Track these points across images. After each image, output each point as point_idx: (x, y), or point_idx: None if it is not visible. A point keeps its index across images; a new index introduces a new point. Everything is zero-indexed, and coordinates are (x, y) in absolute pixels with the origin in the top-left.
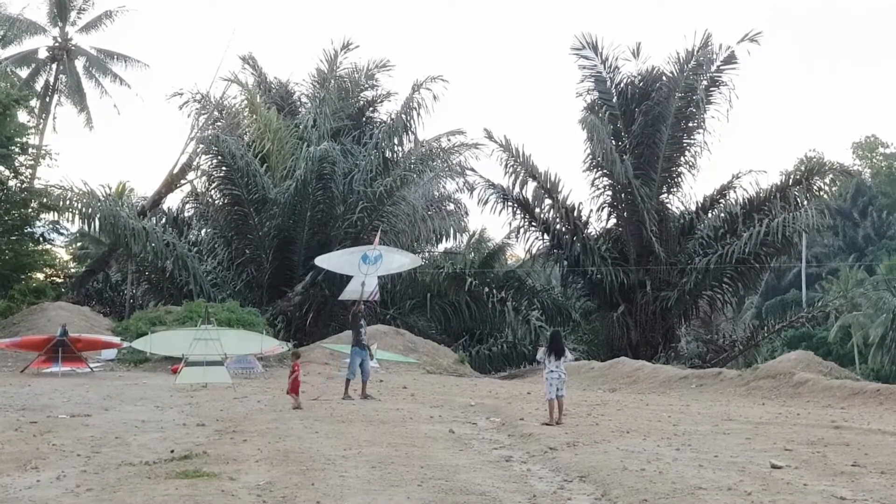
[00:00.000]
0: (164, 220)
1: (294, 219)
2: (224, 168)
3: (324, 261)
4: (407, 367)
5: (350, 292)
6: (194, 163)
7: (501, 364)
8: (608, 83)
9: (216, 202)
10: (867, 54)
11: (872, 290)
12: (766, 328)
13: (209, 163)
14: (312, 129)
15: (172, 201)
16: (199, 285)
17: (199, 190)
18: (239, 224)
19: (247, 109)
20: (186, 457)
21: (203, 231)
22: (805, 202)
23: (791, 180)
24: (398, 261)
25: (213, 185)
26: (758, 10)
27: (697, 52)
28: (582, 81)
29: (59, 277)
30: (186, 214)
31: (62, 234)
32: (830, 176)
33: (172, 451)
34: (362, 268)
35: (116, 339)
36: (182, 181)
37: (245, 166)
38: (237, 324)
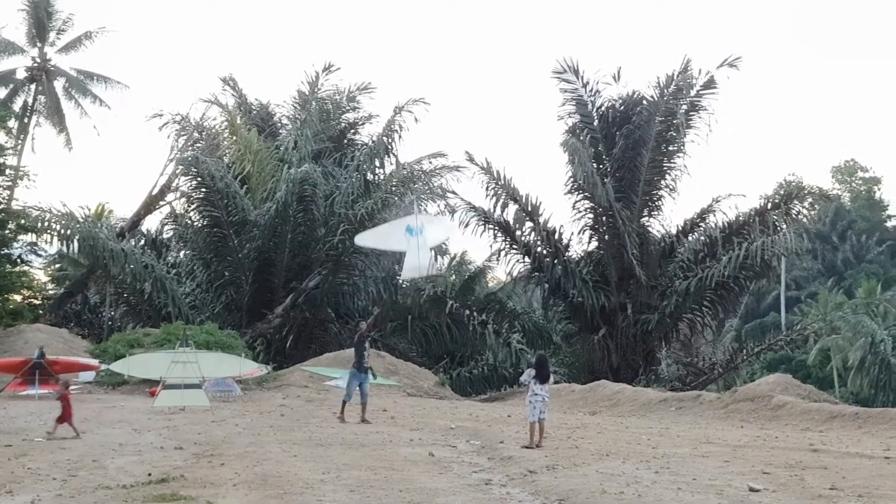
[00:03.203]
0: (142, 241)
1: (274, 241)
2: (203, 189)
3: (366, 238)
4: (387, 390)
5: (412, 269)
6: (174, 184)
7: (482, 387)
8: (589, 106)
9: (195, 224)
10: (847, 79)
11: (851, 314)
12: (745, 351)
13: (189, 184)
14: (293, 150)
15: (151, 223)
16: (177, 307)
17: (178, 211)
18: (218, 246)
19: (227, 131)
20: (164, 480)
21: (182, 253)
22: (784, 226)
23: (770, 204)
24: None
25: (193, 206)
26: (737, 35)
27: (677, 76)
28: (563, 105)
29: (37, 299)
30: (165, 236)
31: (40, 255)
32: (809, 200)
33: (150, 475)
34: (411, 241)
35: (94, 362)
36: (161, 203)
37: (225, 188)
38: (216, 346)
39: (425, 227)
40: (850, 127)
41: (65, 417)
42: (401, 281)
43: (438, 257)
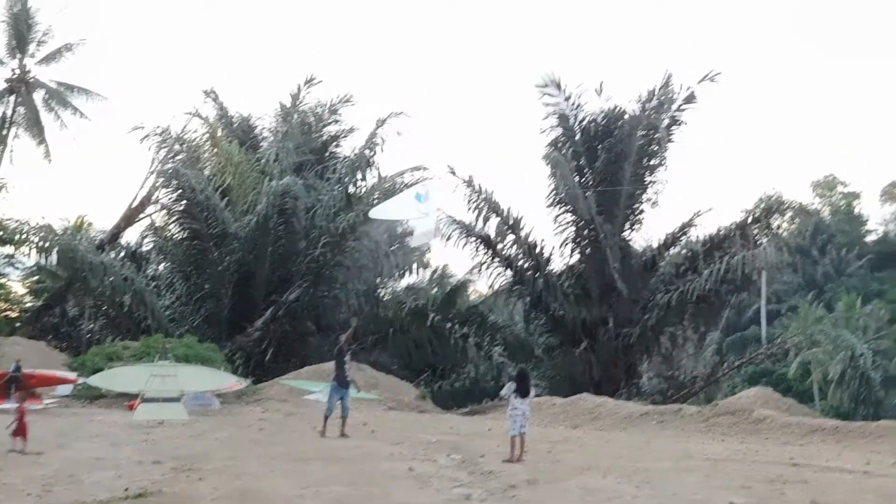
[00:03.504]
0: (122, 254)
1: (255, 253)
2: (184, 202)
3: (379, 212)
4: (368, 404)
5: (421, 235)
6: (154, 197)
7: (463, 400)
8: (571, 120)
9: (175, 236)
10: (827, 95)
11: (831, 328)
12: (726, 364)
13: (169, 197)
14: (274, 163)
15: (131, 235)
16: (157, 320)
17: (158, 224)
18: (198, 259)
19: (208, 143)
20: (141, 495)
21: (162, 265)
22: (765, 240)
23: (751, 218)
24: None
25: (173, 219)
26: (720, 49)
27: (658, 91)
28: (546, 118)
29: (14, 312)
30: (145, 249)
31: (17, 267)
32: (790, 214)
33: (127, 490)
34: (420, 207)
35: (72, 375)
36: (141, 215)
37: (205, 200)
38: (195, 360)
39: (430, 193)
40: (830, 142)
41: (19, 431)
42: (413, 246)
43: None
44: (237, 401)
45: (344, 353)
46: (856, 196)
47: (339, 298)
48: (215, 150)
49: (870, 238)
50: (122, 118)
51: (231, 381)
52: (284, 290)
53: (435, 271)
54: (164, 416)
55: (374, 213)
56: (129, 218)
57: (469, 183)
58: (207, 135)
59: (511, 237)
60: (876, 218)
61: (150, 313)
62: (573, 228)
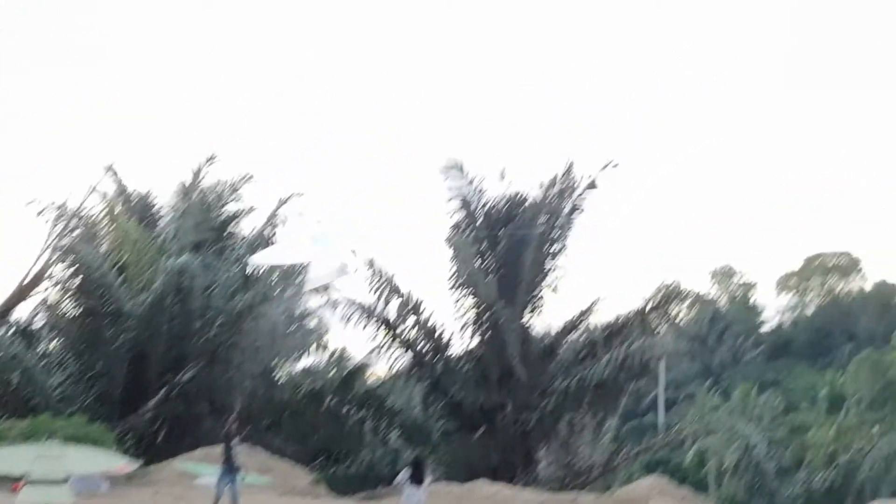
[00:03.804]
0: (11, 330)
1: (149, 332)
2: (79, 278)
3: (263, 257)
4: (259, 489)
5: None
6: (48, 272)
7: (359, 485)
8: (474, 205)
9: (69, 313)
10: (725, 185)
11: (727, 416)
12: (623, 452)
13: (64, 273)
14: (173, 240)
15: (22, 311)
16: (46, 400)
17: (51, 300)
18: (92, 336)
19: (106, 219)
20: None
21: (54, 343)
22: (663, 328)
23: (650, 305)
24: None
25: (67, 295)
26: (620, 139)
27: (560, 178)
28: (449, 201)
29: None
30: (36, 325)
31: None
32: (688, 302)
33: None
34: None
35: None
36: (34, 291)
37: (100, 277)
38: (84, 440)
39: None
40: (727, 232)
41: None
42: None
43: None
44: (127, 483)
45: (232, 437)
46: (752, 286)
47: (235, 380)
48: (113, 226)
49: (765, 328)
50: (19, 192)
51: (121, 463)
52: (179, 370)
53: (333, 353)
54: (49, 499)
55: (259, 258)
56: (21, 294)
57: (370, 264)
58: (106, 211)
59: (412, 319)
60: (771, 308)
61: (39, 392)
62: (474, 312)
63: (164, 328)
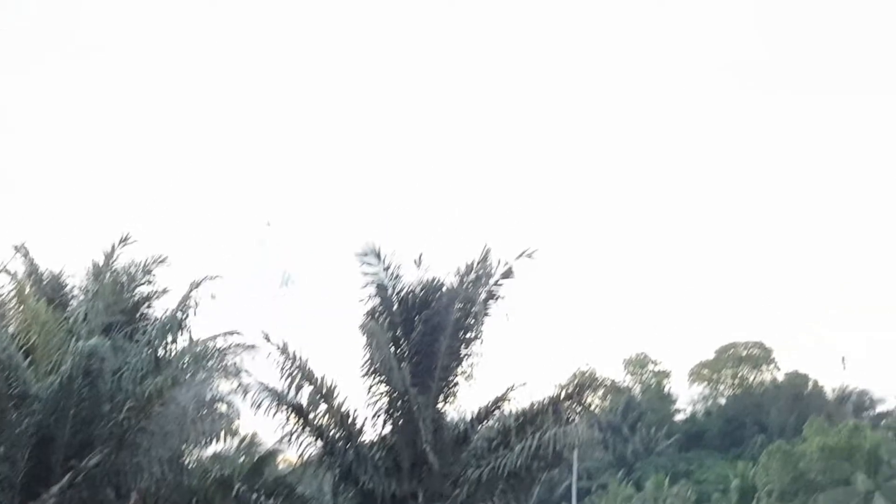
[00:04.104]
0: None
1: (56, 416)
2: None
3: None
4: None
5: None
6: None
7: None
8: (390, 290)
9: None
10: (639, 274)
11: None
12: None
13: None
14: (83, 322)
15: None
16: None
17: None
18: None
19: (14, 300)
20: None
21: None
22: (577, 416)
23: (563, 394)
24: None
25: None
26: (536, 227)
27: (477, 265)
28: (364, 287)
29: None
30: None
31: None
32: (602, 391)
33: None
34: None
35: None
36: None
37: (7, 359)
38: None
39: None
40: (641, 320)
41: None
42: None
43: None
44: None
45: None
46: (666, 374)
47: (142, 465)
48: (22, 307)
49: (679, 417)
50: None
51: None
52: (85, 454)
53: (243, 439)
54: None
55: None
56: None
57: (283, 350)
58: (14, 291)
59: (323, 406)
60: (685, 397)
61: None
62: (387, 399)
63: (72, 412)
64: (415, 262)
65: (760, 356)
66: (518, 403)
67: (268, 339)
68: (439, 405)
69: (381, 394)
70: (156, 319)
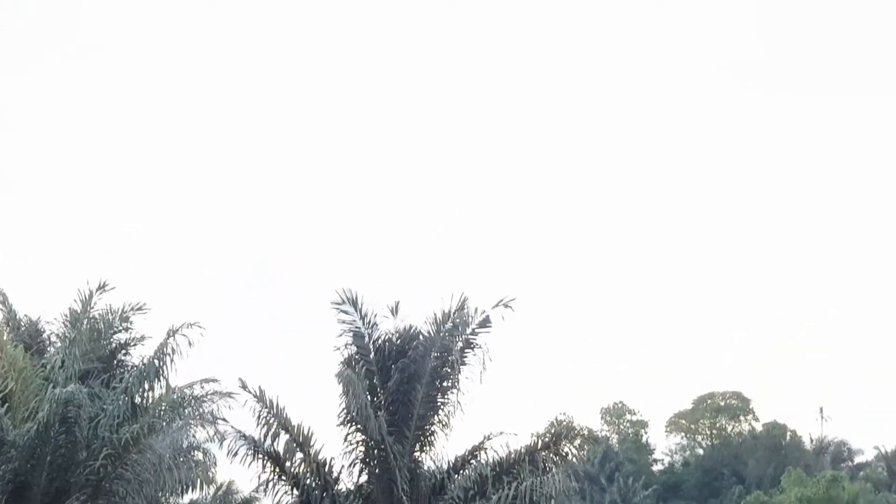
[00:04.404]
0: None
1: (32, 463)
2: None
3: None
4: None
5: None
6: None
7: None
8: (366, 339)
9: None
10: (617, 323)
11: None
12: None
13: None
14: (60, 369)
15: None
16: None
17: None
18: None
19: None
20: None
21: None
22: (554, 466)
23: (540, 444)
24: None
25: None
26: (514, 276)
27: (454, 314)
28: (341, 335)
29: None
30: None
31: None
32: (579, 440)
33: None
34: None
35: None
36: None
37: None
38: None
39: None
40: (618, 370)
41: None
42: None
43: None
44: None
45: None
46: (644, 424)
47: None
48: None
49: (657, 467)
50: None
51: None
52: (62, 502)
53: (220, 487)
54: None
55: None
56: None
57: (260, 397)
58: None
59: (300, 455)
60: (662, 448)
61: None
62: (363, 448)
63: (48, 459)
64: (391, 310)
65: (738, 406)
66: (495, 453)
67: (244, 386)
68: (416, 454)
69: (358, 442)
70: (133, 366)
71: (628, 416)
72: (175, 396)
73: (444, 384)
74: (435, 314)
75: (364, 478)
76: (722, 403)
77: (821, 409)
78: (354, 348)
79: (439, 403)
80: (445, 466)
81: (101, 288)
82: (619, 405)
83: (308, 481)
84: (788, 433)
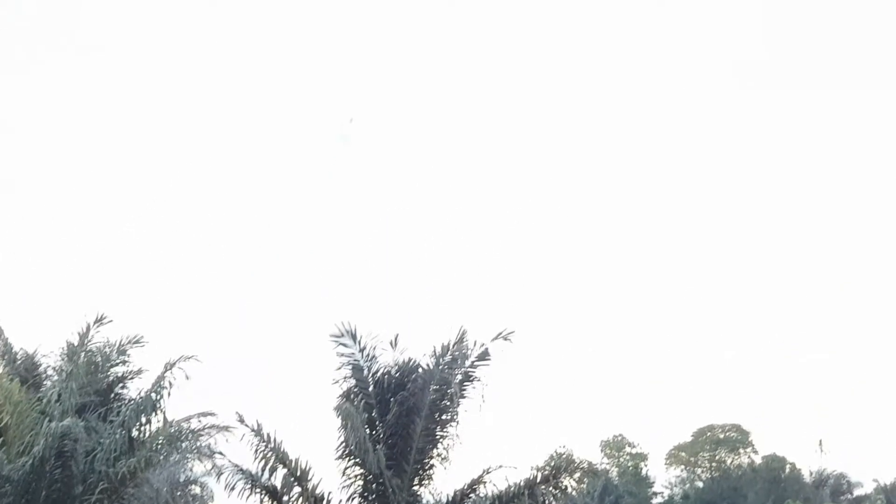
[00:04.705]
0: None
1: (28, 498)
2: None
3: None
4: None
5: None
6: None
7: None
8: (365, 372)
9: None
10: (617, 355)
11: None
12: None
13: None
14: (56, 403)
15: None
16: None
17: None
18: None
19: None
20: None
21: None
22: (553, 499)
23: (540, 477)
24: None
25: None
26: (513, 307)
27: (453, 346)
28: (339, 368)
29: None
30: None
31: None
32: (579, 473)
33: None
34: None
35: None
36: None
37: None
38: None
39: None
40: (618, 402)
41: None
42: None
43: None
44: None
45: None
46: (643, 457)
47: None
48: None
49: (656, 500)
50: None
51: None
52: None
53: None
54: None
55: None
56: None
57: (257, 431)
58: None
59: (297, 489)
60: (662, 480)
61: None
62: (361, 482)
63: (44, 493)
64: (391, 343)
65: (738, 439)
66: (494, 486)
67: (242, 420)
68: (415, 488)
69: (356, 476)
70: (130, 400)
71: (628, 449)
72: (172, 430)
73: (443, 417)
74: (434, 347)
75: None
76: (721, 436)
77: (820, 442)
78: (353, 381)
79: (438, 437)
80: (445, 500)
81: (99, 321)
82: (619, 438)
83: None
84: (788, 466)
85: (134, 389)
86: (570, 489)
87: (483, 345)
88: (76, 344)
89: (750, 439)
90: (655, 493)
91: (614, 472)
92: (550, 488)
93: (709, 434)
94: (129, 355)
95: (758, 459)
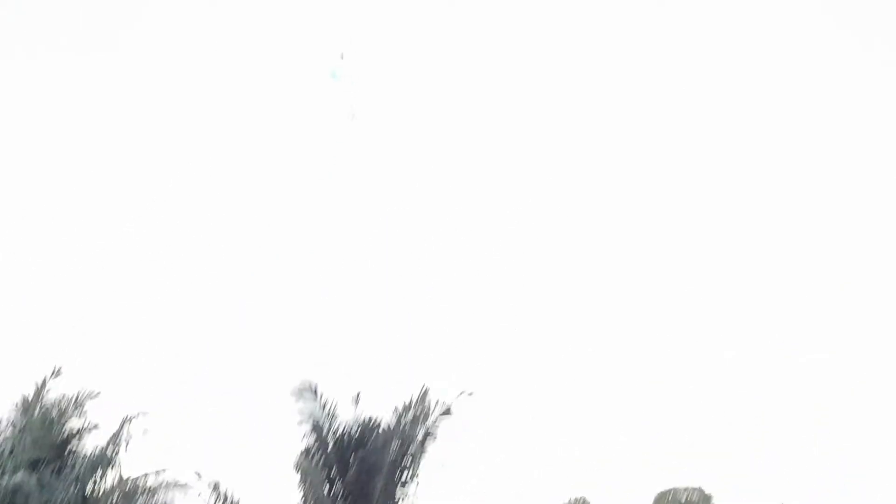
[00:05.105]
0: None
1: None
2: None
3: None
4: None
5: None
6: None
7: None
8: (326, 429)
9: None
10: (577, 416)
11: None
12: None
13: None
14: (9, 457)
15: None
16: None
17: None
18: None
19: None
20: None
21: None
22: None
23: None
24: None
25: None
26: (475, 366)
27: (415, 403)
28: (300, 424)
29: None
30: None
31: None
32: None
33: None
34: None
35: None
36: None
37: None
38: None
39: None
40: (579, 462)
41: None
42: None
43: None
44: None
45: None
46: None
47: None
48: None
49: None
50: None
51: None
52: None
53: None
54: None
55: None
56: None
57: (215, 488)
58: None
59: None
60: None
61: None
62: None
63: None
64: (353, 399)
65: (700, 502)
66: None
67: (200, 477)
68: None
69: None
70: (85, 455)
71: None
72: (128, 487)
73: (404, 476)
74: (395, 406)
75: None
76: (683, 499)
77: None
78: (313, 438)
79: (398, 496)
80: None
81: (56, 374)
82: (580, 500)
83: None
84: None
85: (90, 444)
86: None
87: (445, 403)
88: (31, 397)
89: (712, 502)
90: None
91: None
92: None
93: (671, 497)
94: (85, 409)
95: None
